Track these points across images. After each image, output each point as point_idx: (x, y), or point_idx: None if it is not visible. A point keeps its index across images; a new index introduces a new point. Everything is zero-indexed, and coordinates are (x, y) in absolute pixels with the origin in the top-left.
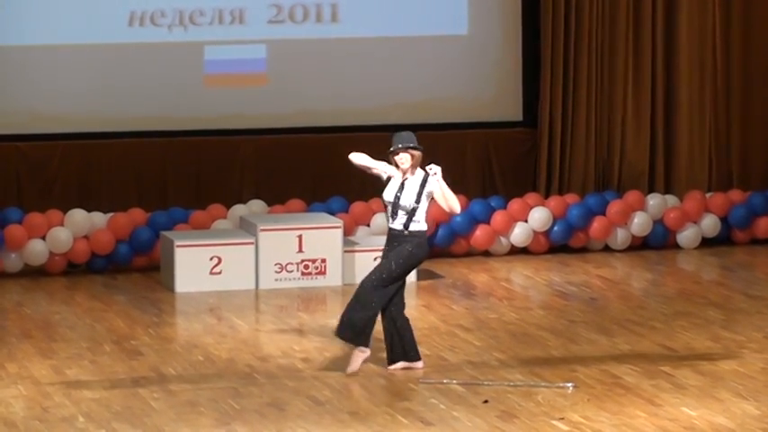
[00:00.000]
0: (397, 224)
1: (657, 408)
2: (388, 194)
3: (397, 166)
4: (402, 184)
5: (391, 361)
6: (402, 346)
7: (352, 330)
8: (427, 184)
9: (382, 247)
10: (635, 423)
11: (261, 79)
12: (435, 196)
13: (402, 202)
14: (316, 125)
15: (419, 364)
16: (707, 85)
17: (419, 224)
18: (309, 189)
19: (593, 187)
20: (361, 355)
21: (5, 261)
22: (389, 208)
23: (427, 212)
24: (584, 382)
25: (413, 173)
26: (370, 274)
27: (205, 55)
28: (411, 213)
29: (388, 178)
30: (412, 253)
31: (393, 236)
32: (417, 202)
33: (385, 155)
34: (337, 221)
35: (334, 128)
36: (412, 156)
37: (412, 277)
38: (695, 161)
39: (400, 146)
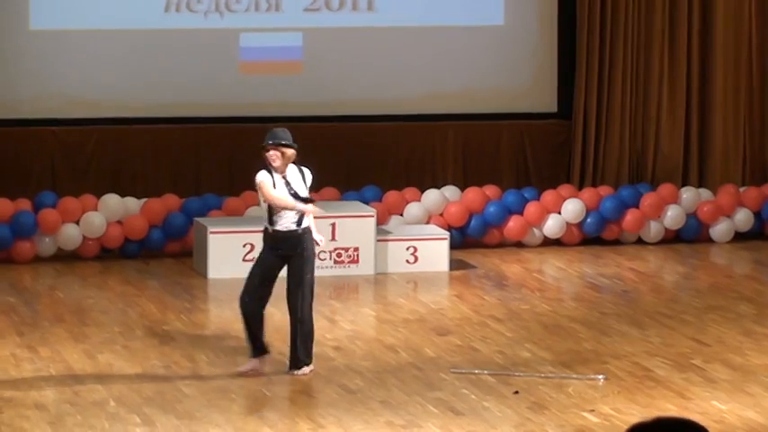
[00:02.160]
0: (289, 224)
1: (688, 401)
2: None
3: (269, 162)
4: (287, 182)
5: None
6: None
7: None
8: (306, 179)
9: (413, 237)
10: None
11: (296, 67)
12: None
13: (302, 196)
14: (350, 113)
15: (254, 361)
16: (742, 79)
17: (306, 219)
18: (343, 177)
19: (626, 180)
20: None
21: (39, 245)
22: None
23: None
24: (615, 374)
25: (284, 170)
26: (304, 297)
27: (241, 42)
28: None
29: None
30: (311, 257)
31: (285, 237)
32: (309, 193)
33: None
34: (371, 210)
35: (368, 116)
36: (283, 153)
37: (444, 267)
38: (729, 155)
39: (270, 142)
